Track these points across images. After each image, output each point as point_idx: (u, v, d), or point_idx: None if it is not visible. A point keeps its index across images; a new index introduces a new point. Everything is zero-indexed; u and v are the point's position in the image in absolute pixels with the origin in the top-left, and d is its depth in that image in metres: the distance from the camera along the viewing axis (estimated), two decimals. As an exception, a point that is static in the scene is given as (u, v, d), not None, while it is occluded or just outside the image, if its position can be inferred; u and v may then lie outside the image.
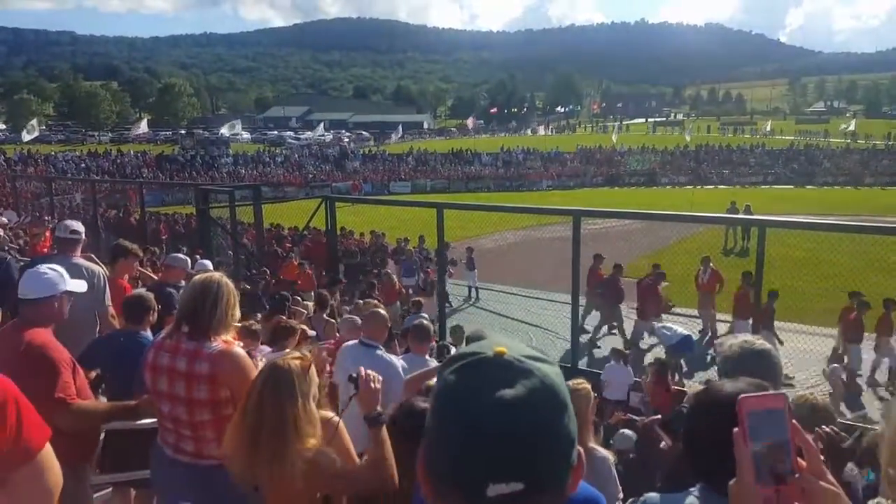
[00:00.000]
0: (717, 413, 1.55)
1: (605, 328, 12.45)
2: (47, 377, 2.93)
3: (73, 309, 3.38)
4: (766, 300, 10.02)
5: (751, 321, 10.18)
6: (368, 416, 2.33)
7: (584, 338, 11.39)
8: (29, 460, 1.33)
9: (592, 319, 12.30)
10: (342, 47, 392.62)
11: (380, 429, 2.32)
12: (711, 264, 12.75)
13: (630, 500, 1.73)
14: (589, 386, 3.44)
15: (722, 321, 12.18)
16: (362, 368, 2.41)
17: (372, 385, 2.35)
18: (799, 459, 0.99)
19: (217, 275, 2.92)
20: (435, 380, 1.20)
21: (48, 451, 1.31)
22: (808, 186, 49.14)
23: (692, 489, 1.58)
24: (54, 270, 3.20)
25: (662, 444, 3.53)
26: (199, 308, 2.78)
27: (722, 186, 47.66)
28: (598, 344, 11.86)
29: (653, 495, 1.72)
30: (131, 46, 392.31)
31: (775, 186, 49.09)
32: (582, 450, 0.86)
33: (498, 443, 0.75)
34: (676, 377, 9.42)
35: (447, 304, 11.91)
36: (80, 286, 3.42)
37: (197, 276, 2.92)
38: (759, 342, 2.32)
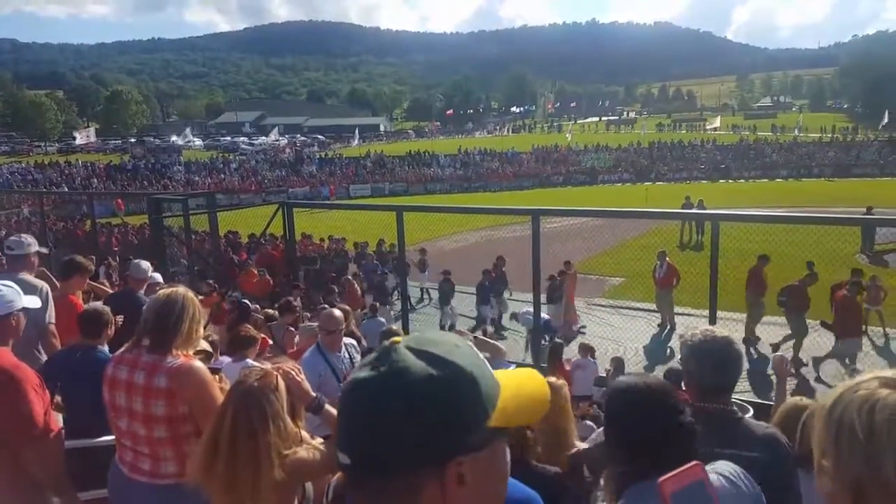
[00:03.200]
0: (626, 408, 1.65)
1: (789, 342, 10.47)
2: (15, 403, 2.81)
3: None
4: None
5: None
6: (310, 406, 2.42)
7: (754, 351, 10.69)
8: None
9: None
10: (294, 51, 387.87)
11: (324, 410, 2.44)
12: (668, 259, 13.00)
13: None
14: (562, 382, 3.44)
15: (681, 314, 12.37)
16: (281, 366, 2.39)
17: (295, 378, 2.36)
18: None
19: (182, 289, 2.86)
20: None
21: None
22: (760, 180, 50.57)
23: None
24: (9, 287, 3.08)
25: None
26: (161, 322, 2.73)
27: (674, 183, 48.76)
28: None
29: None
30: (77, 53, 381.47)
31: (720, 181, 50.32)
32: None
33: (339, 416, 0.85)
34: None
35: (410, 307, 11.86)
36: (34, 302, 3.34)
37: (161, 290, 2.87)
38: (721, 332, 2.36)
